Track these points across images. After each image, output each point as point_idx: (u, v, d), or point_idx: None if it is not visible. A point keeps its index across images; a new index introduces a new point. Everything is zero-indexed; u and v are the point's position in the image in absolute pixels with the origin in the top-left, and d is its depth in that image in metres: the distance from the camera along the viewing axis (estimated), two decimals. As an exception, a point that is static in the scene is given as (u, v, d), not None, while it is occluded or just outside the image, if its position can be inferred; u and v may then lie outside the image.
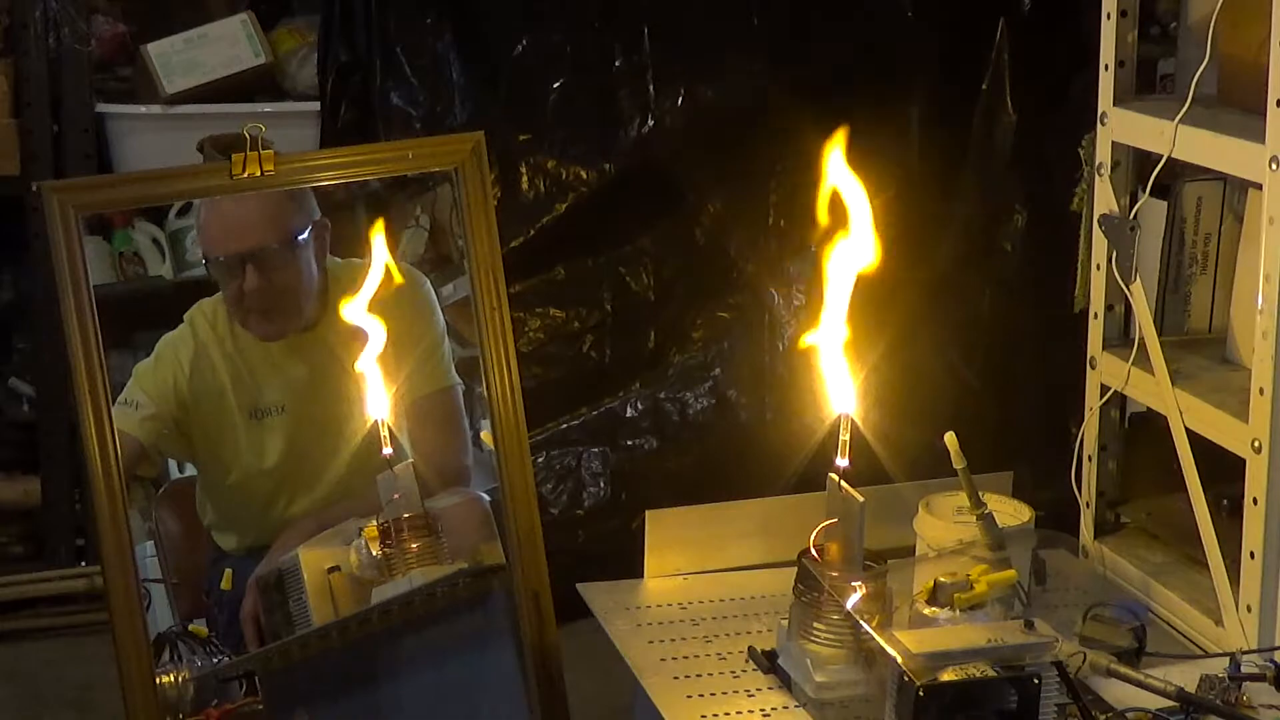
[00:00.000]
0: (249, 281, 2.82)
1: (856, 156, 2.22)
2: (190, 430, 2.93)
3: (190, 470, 3.12)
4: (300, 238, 2.85)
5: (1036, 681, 1.97)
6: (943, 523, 2.41)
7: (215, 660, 2.64)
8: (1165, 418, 2.58)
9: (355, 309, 2.58)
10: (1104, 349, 2.76)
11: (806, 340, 2.19)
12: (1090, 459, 2.81)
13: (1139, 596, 2.61)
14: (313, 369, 2.91)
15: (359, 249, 2.93)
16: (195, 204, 3.03)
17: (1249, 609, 2.40)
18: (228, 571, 2.91)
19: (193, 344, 2.92)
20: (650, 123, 3.88)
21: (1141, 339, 2.65)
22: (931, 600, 2.16)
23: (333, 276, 2.91)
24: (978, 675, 1.95)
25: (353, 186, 3.29)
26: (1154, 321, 2.66)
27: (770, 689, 2.25)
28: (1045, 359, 3.89)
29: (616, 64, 3.88)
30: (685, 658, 2.35)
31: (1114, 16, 2.67)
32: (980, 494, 2.30)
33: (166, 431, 2.90)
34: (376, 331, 2.57)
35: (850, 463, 2.18)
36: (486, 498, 2.78)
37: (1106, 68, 2.70)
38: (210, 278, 2.93)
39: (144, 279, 4.02)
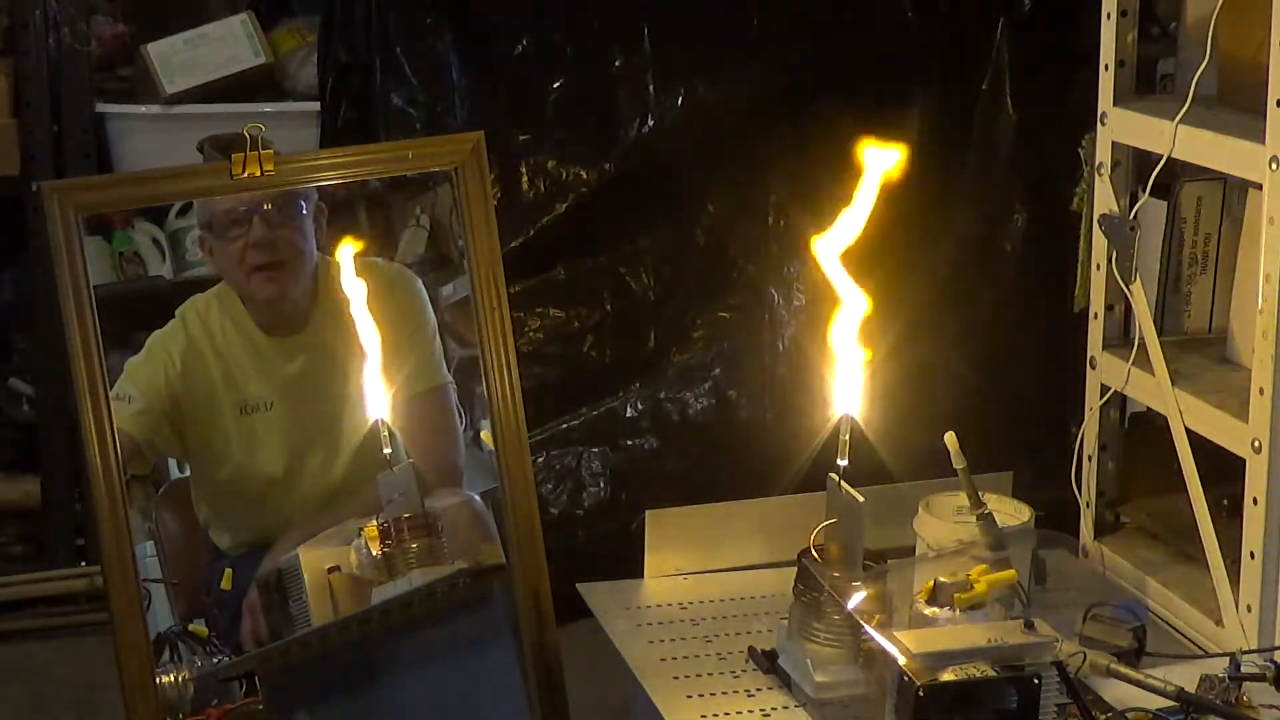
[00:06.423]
0: (255, 232, 2.79)
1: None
2: (182, 425, 2.92)
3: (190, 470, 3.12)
4: (304, 201, 2.83)
5: (1036, 681, 1.97)
6: (943, 523, 2.41)
7: (215, 660, 2.63)
8: (1165, 418, 2.59)
9: (345, 308, 2.57)
10: (1104, 349, 2.76)
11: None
12: (1090, 459, 2.81)
13: (1139, 596, 2.61)
14: (301, 367, 2.91)
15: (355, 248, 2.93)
16: (195, 203, 3.01)
17: (1249, 609, 2.41)
18: (228, 571, 2.91)
19: (184, 339, 2.91)
20: (650, 123, 3.88)
21: (1141, 339, 2.65)
22: (931, 600, 2.16)
23: (325, 275, 2.91)
24: (978, 675, 1.95)
25: (352, 186, 3.28)
26: (1154, 321, 2.66)
27: (770, 689, 2.25)
28: (1045, 359, 3.89)
29: (616, 64, 3.88)
30: (685, 658, 2.35)
31: (1114, 16, 2.68)
32: (980, 494, 2.30)
33: (159, 426, 2.90)
34: (367, 331, 2.56)
35: (850, 463, 2.18)
36: (478, 498, 2.77)
37: (1106, 68, 2.70)
38: (211, 273, 2.91)
39: (144, 279, 4.02)
